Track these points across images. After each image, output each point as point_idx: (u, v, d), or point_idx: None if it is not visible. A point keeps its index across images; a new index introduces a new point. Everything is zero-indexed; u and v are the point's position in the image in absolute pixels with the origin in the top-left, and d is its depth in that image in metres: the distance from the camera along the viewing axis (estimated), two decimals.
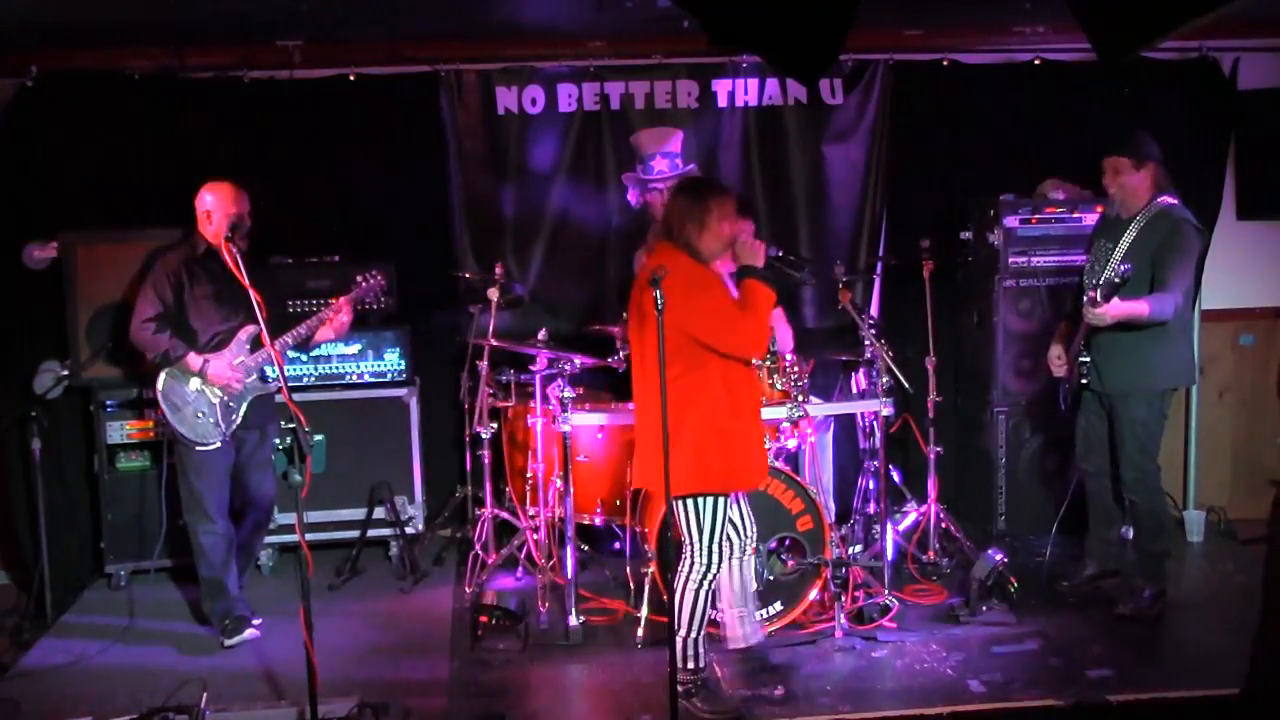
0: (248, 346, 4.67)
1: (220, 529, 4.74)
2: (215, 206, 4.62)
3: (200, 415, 4.66)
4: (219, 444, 4.67)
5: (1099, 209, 5.63)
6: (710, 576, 4.04)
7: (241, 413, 4.71)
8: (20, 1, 4.58)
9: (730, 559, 4.17)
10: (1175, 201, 4.72)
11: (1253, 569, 4.23)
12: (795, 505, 4.65)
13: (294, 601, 3.89)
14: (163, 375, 4.66)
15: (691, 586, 4.04)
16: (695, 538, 4.01)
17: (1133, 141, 4.71)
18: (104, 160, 5.66)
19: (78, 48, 5.59)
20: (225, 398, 4.67)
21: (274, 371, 4.71)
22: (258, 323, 4.33)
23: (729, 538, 4.12)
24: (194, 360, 4.62)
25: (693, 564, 4.04)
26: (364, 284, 4.89)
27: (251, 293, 4.14)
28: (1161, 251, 4.58)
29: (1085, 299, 4.52)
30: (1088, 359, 4.73)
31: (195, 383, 4.65)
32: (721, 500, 4.00)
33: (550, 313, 6.00)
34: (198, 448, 4.65)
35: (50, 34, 5.27)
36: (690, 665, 4.05)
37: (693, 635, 4.05)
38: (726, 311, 3.89)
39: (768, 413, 4.82)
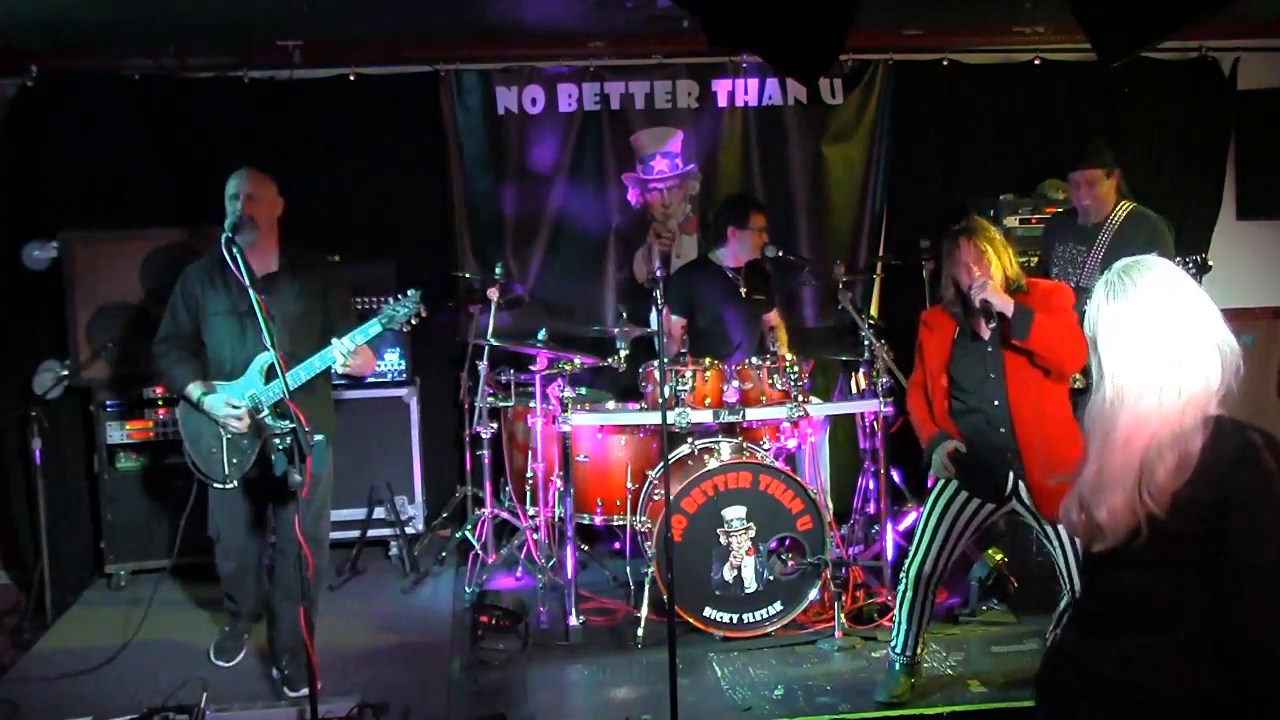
0: (261, 378, 4.11)
1: (232, 566, 4.39)
2: (228, 198, 4.10)
3: (213, 451, 4.15)
4: (229, 485, 4.16)
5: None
6: None
7: (256, 452, 4.14)
8: (20, 1, 4.58)
9: None
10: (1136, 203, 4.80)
11: None
12: (795, 505, 4.65)
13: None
14: (181, 401, 4.23)
15: None
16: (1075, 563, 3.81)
17: (1098, 151, 4.74)
18: (104, 160, 5.67)
19: (78, 48, 5.59)
20: (235, 435, 4.13)
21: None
22: (275, 346, 3.73)
23: None
24: (190, 393, 4.12)
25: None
26: (394, 308, 4.12)
27: (253, 293, 3.71)
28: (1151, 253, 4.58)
29: None
30: None
31: (206, 414, 4.14)
32: None
33: (550, 313, 6.00)
34: (214, 484, 4.19)
35: (50, 34, 5.27)
36: None
37: None
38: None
39: (768, 413, 4.84)
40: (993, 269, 3.80)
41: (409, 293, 4.13)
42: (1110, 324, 2.16)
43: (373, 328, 4.07)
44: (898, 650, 4.10)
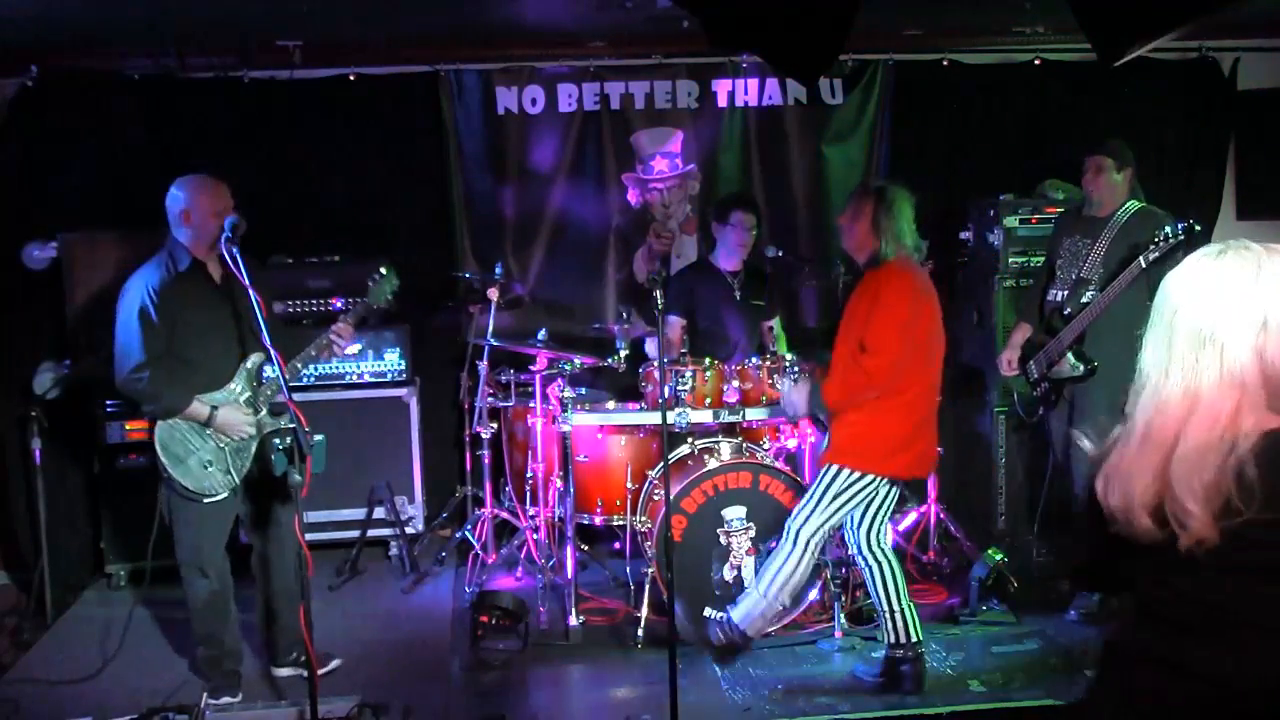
0: (250, 381, 4.10)
1: (214, 585, 4.14)
2: (195, 205, 3.98)
3: (208, 466, 4.04)
4: (226, 494, 4.08)
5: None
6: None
7: (252, 454, 4.11)
8: (20, 1, 4.58)
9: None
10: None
11: None
12: (796, 505, 4.64)
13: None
14: (160, 424, 4.03)
15: None
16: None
17: (1116, 145, 4.80)
18: (104, 160, 5.66)
19: (78, 48, 5.59)
20: (235, 442, 4.08)
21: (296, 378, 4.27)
22: (260, 349, 3.72)
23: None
24: (200, 410, 3.98)
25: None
26: (371, 288, 4.33)
27: (253, 293, 3.65)
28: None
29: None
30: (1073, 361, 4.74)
31: (199, 430, 4.03)
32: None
33: (550, 313, 6.00)
34: (205, 499, 4.06)
35: (50, 34, 5.27)
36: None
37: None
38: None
39: (768, 413, 4.84)
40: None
41: (383, 270, 4.35)
42: (1155, 302, 1.94)
43: (361, 308, 4.29)
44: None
